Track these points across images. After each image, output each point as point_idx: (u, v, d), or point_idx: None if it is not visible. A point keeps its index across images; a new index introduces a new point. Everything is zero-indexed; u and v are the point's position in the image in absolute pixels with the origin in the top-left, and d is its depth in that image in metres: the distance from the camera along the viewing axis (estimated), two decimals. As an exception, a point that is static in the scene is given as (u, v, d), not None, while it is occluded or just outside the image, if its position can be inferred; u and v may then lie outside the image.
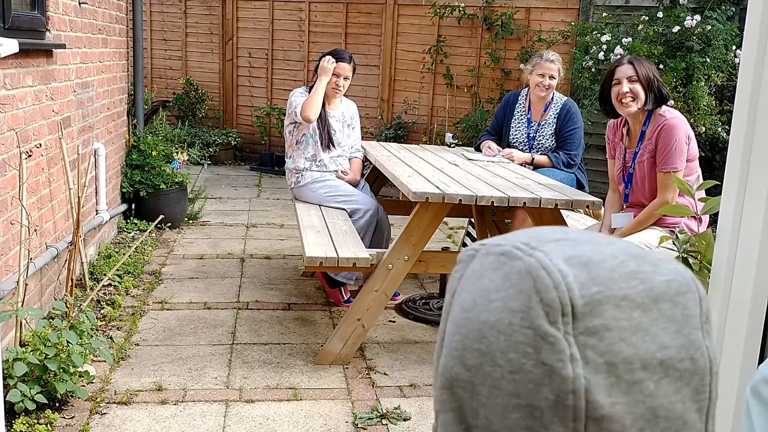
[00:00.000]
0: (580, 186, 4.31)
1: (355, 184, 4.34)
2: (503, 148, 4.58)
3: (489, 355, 0.51)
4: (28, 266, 3.23)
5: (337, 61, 4.26)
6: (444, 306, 0.58)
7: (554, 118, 4.41)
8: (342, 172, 4.36)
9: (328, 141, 4.30)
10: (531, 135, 4.49)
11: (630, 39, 5.97)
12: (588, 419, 0.49)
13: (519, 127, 4.54)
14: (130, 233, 5.35)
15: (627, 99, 3.21)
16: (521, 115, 4.54)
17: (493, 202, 3.19)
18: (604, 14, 6.66)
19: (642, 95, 3.21)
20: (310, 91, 4.31)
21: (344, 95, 4.52)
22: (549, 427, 0.49)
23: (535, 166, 4.33)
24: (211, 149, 8.40)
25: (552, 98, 4.44)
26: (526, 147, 4.50)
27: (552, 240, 0.53)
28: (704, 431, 0.53)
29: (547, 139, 4.44)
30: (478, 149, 4.75)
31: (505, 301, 0.51)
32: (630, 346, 0.50)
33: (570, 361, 0.49)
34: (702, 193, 2.56)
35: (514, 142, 4.55)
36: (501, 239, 0.55)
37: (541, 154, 4.44)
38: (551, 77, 4.34)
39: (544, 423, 0.49)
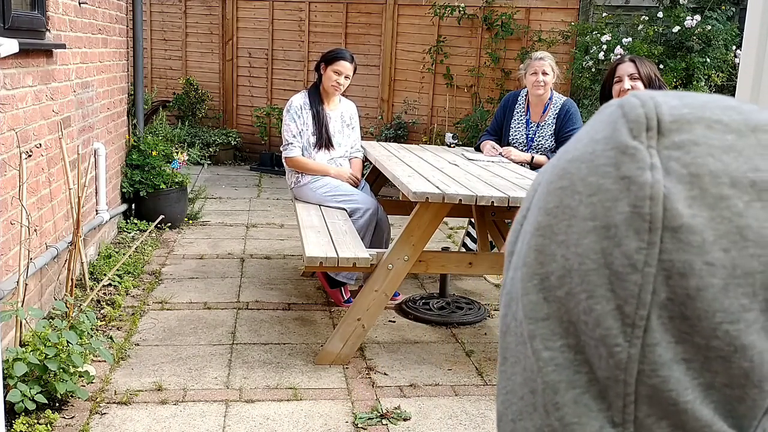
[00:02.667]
0: None
1: (355, 185, 4.35)
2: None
3: (569, 188, 0.48)
4: (28, 266, 3.23)
5: (338, 60, 4.27)
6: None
7: (553, 118, 4.42)
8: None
9: (327, 141, 4.30)
10: (530, 136, 4.50)
11: (630, 39, 5.97)
12: (665, 229, 0.45)
13: (518, 127, 4.54)
14: (130, 233, 5.35)
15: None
16: (520, 115, 4.54)
17: (493, 202, 3.19)
18: (604, 14, 6.66)
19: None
20: (309, 96, 4.32)
21: (344, 95, 4.52)
22: (622, 243, 0.45)
23: (535, 166, 4.33)
24: (211, 149, 8.40)
25: (551, 98, 4.44)
26: (525, 148, 4.51)
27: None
28: None
29: (547, 140, 4.44)
30: (478, 149, 4.75)
31: (591, 135, 0.49)
32: (718, 161, 0.45)
33: (650, 168, 0.45)
34: None
35: (513, 143, 4.56)
36: None
37: (540, 154, 4.44)
38: (544, 73, 4.35)
39: (617, 240, 0.45)
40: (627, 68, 3.25)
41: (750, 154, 0.46)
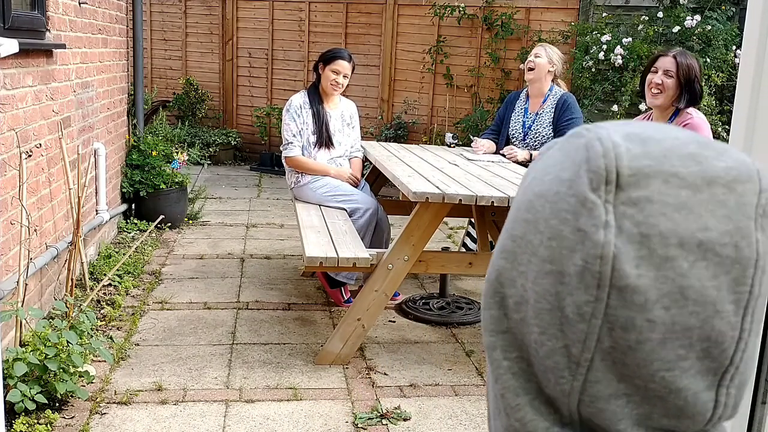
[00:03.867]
0: None
1: (355, 185, 4.34)
2: (502, 144, 4.61)
3: (533, 223, 0.52)
4: (28, 266, 3.23)
5: (336, 59, 4.27)
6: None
7: (551, 108, 4.44)
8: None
9: (327, 141, 4.30)
10: (527, 124, 4.51)
11: (630, 39, 5.97)
12: (612, 287, 0.48)
13: (517, 118, 4.57)
14: (130, 233, 5.35)
15: (655, 90, 3.23)
16: (520, 108, 4.59)
17: (493, 202, 3.19)
18: (604, 14, 6.66)
19: (672, 91, 3.21)
20: (309, 95, 4.32)
21: (344, 95, 4.52)
22: (574, 293, 0.49)
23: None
24: (211, 149, 8.39)
25: (551, 90, 4.46)
26: (522, 136, 4.52)
27: (621, 124, 0.53)
28: (740, 326, 0.50)
29: (545, 128, 4.44)
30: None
31: (557, 172, 0.52)
32: (669, 221, 0.48)
33: (603, 227, 0.48)
34: None
35: (512, 133, 4.58)
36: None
37: (539, 147, 4.45)
38: (536, 56, 4.41)
39: (569, 289, 0.49)
40: (666, 63, 3.23)
41: (701, 211, 0.48)
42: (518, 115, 4.58)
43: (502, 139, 4.64)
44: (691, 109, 3.26)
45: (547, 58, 4.40)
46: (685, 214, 0.48)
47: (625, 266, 0.48)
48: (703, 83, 5.58)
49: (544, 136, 4.46)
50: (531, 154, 4.37)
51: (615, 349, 0.49)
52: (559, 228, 0.50)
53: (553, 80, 4.46)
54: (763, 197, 0.51)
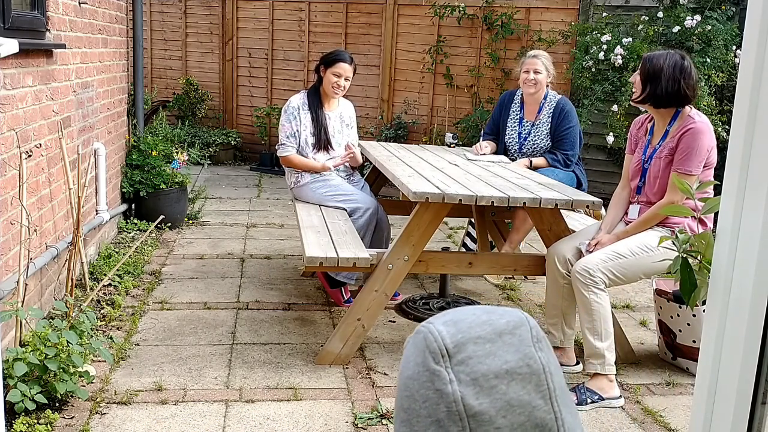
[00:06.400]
0: (579, 184, 4.30)
1: (356, 165, 4.35)
2: (502, 147, 4.59)
3: (411, 397, 0.79)
4: (28, 266, 3.23)
5: (337, 62, 4.26)
6: None
7: (548, 117, 4.39)
8: (346, 148, 4.36)
9: (326, 143, 4.30)
10: (523, 135, 4.46)
11: (630, 39, 5.97)
12: (468, 416, 0.75)
13: (512, 126, 4.52)
14: (130, 233, 5.35)
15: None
16: (515, 114, 4.53)
17: (493, 202, 3.19)
18: (604, 14, 6.66)
19: (637, 88, 3.26)
20: (309, 97, 4.32)
21: (344, 95, 4.52)
22: (449, 428, 0.76)
23: (535, 169, 4.31)
24: (211, 149, 8.40)
25: (546, 97, 4.41)
26: (518, 147, 4.48)
27: (440, 316, 0.83)
28: (551, 410, 0.79)
29: (542, 139, 4.41)
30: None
31: (413, 359, 0.80)
32: (485, 365, 0.77)
33: (449, 383, 0.76)
34: (711, 194, 2.56)
35: (508, 141, 4.54)
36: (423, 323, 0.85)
37: (538, 156, 4.42)
38: (536, 71, 4.34)
39: (446, 427, 0.76)
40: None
41: (501, 353, 0.78)
42: (514, 123, 4.51)
43: (501, 144, 4.62)
44: (694, 112, 3.23)
45: (545, 70, 4.35)
46: (492, 358, 0.77)
47: (470, 401, 0.76)
48: (703, 83, 5.59)
49: (541, 147, 4.41)
50: (531, 161, 4.35)
51: None
52: (426, 394, 0.77)
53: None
54: (533, 331, 0.81)
